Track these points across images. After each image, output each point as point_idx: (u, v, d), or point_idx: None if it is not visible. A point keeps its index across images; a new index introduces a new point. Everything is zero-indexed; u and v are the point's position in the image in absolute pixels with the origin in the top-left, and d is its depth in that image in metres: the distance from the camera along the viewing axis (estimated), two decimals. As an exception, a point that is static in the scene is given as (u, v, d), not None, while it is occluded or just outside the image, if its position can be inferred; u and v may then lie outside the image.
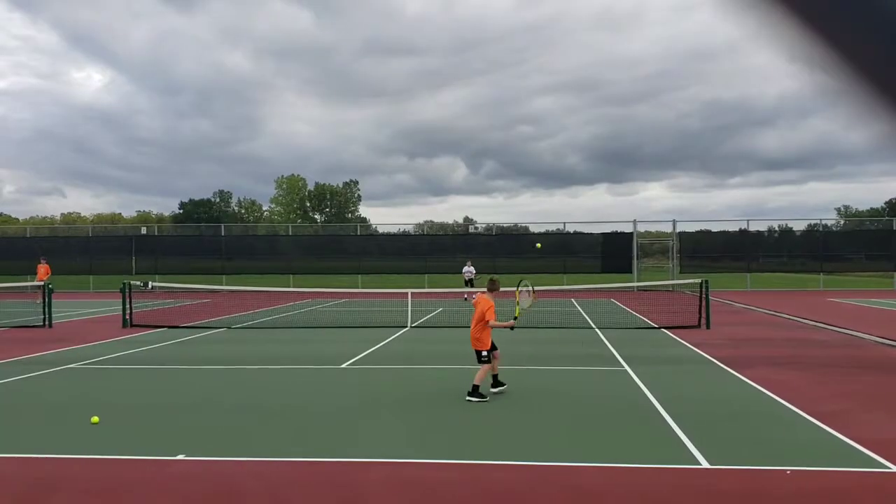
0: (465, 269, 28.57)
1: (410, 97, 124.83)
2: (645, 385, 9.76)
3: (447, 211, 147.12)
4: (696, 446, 6.60)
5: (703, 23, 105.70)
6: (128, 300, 18.46)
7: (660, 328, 17.32)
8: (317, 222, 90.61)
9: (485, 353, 9.06)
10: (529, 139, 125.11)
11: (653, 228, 43.91)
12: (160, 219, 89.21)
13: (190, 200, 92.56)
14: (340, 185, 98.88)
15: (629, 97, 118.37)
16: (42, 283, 30.62)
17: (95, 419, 7.83)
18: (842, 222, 61.50)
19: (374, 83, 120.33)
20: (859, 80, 0.84)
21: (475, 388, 8.82)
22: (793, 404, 8.43)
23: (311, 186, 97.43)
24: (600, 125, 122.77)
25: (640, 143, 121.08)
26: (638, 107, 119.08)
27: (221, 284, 34.27)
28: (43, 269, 30.95)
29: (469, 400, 8.73)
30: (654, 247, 44.88)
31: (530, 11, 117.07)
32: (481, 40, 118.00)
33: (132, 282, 20.01)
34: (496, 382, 9.36)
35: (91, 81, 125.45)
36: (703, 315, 17.25)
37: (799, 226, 41.08)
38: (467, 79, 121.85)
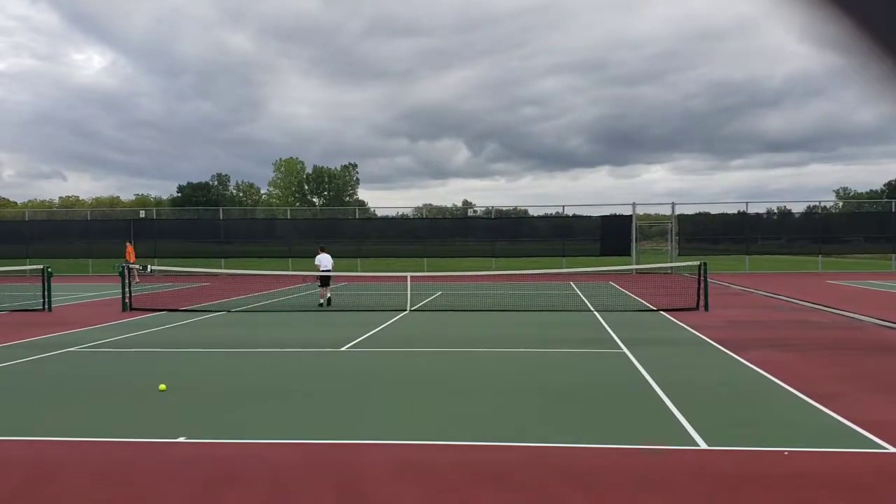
0: (321, 256, 19.50)
1: (414, 78, 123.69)
2: (643, 367, 9.78)
3: (448, 194, 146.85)
4: (694, 427, 6.62)
5: (712, 2, 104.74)
6: (127, 284, 18.48)
7: (658, 311, 17.35)
8: (315, 206, 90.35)
9: None
10: (533, 121, 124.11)
11: (652, 211, 43.91)
12: (159, 202, 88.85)
13: (188, 184, 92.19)
14: (339, 168, 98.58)
15: (635, 78, 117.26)
16: (133, 263, 30.86)
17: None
18: (840, 205, 61.46)
19: (378, 64, 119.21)
20: (873, 57, 0.82)
21: None
22: (791, 386, 8.46)
23: (309, 170, 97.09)
24: (605, 106, 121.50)
25: (644, 125, 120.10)
26: (643, 88, 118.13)
27: (220, 268, 34.25)
28: (131, 249, 31.14)
29: None
30: (653, 230, 44.86)
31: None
32: (487, 20, 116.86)
33: (131, 265, 20.02)
34: None
35: (91, 63, 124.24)
36: (702, 297, 17.27)
37: (798, 208, 41.16)
38: (472, 59, 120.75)
